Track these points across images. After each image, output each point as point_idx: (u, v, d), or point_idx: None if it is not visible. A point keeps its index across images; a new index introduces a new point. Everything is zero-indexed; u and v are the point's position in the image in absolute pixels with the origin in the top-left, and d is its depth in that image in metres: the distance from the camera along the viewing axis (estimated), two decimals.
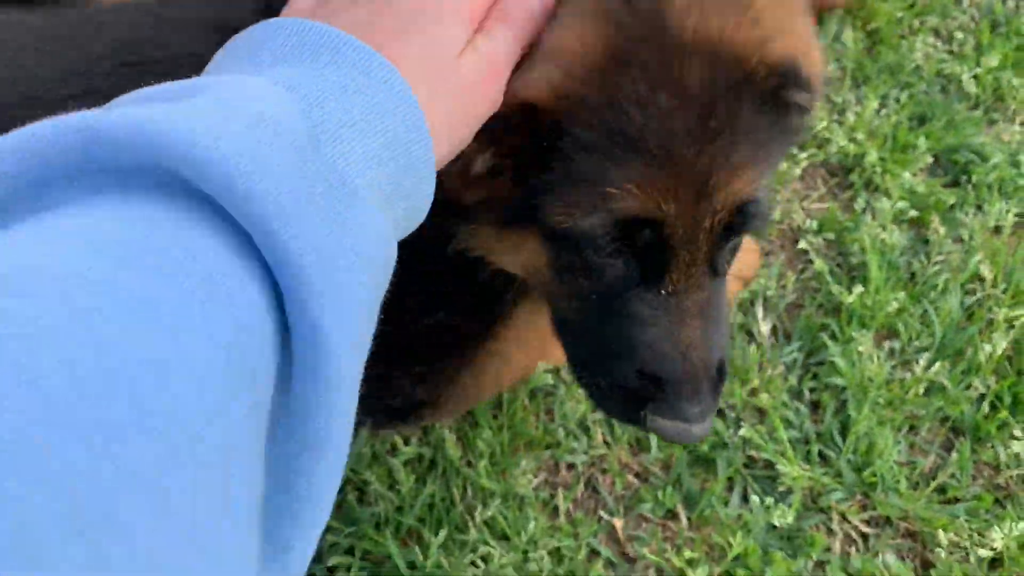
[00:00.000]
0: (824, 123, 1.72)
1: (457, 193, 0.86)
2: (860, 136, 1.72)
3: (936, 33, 1.94)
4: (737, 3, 0.83)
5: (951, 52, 1.89)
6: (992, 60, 1.85)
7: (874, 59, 1.87)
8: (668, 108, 0.79)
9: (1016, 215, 1.69)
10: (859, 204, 1.67)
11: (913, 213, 1.69)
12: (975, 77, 1.86)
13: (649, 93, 0.79)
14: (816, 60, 0.86)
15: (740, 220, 0.87)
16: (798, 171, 1.69)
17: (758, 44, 0.83)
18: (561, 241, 0.89)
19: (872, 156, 1.70)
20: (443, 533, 1.27)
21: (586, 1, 0.81)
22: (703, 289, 0.89)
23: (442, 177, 0.75)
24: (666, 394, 0.90)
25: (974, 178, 1.73)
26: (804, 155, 1.71)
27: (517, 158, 0.84)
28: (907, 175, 1.69)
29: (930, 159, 1.76)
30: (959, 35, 1.92)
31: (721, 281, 0.94)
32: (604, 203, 0.82)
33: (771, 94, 0.84)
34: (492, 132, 0.78)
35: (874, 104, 1.76)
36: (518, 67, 0.80)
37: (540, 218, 0.87)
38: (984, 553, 1.35)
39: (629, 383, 0.92)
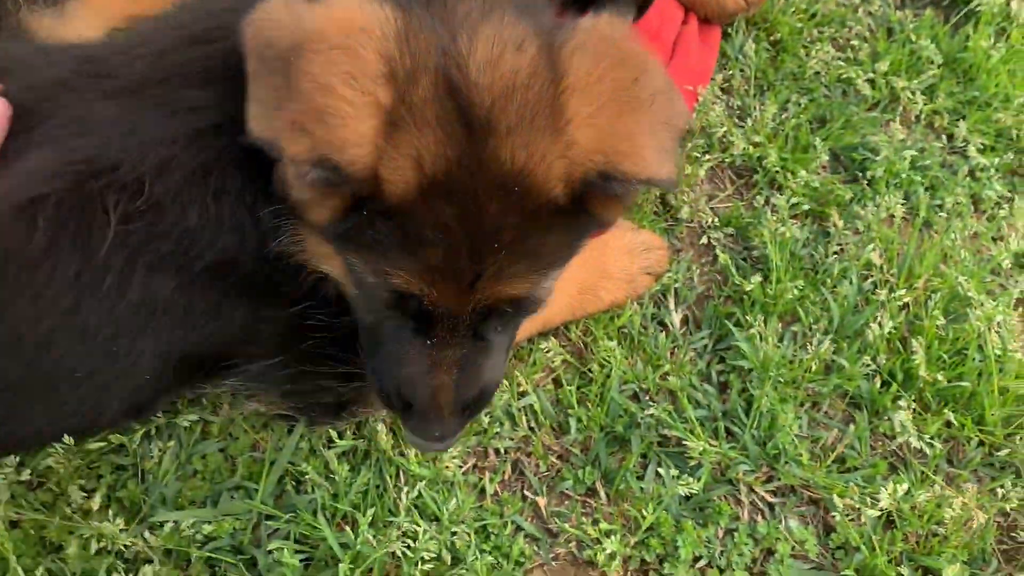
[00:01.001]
0: (725, 127, 1.85)
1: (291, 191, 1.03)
2: (760, 138, 1.86)
3: (834, 41, 2.08)
4: (552, 128, 0.96)
5: (849, 59, 2.04)
6: (885, 65, 2.00)
7: (776, 67, 2.01)
8: (457, 231, 0.97)
9: (905, 206, 1.83)
10: (759, 201, 1.80)
11: (813, 207, 1.82)
12: (870, 81, 2.00)
13: (451, 216, 0.97)
14: (645, 155, 0.97)
15: (508, 309, 1.08)
16: (703, 172, 1.82)
17: (564, 170, 0.98)
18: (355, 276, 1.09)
19: (773, 157, 1.84)
20: (372, 512, 1.38)
21: (435, 114, 0.95)
22: (462, 348, 1.10)
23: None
24: (413, 415, 1.16)
25: (869, 173, 1.87)
26: (708, 157, 1.84)
27: (350, 202, 0.99)
28: (806, 173, 1.82)
29: (828, 157, 1.90)
30: (855, 43, 2.07)
31: (493, 342, 1.14)
32: (384, 275, 1.03)
33: (572, 207, 1.01)
34: (340, 175, 0.92)
35: (774, 108, 1.90)
36: None
37: (346, 256, 1.07)
38: (873, 513, 1.47)
39: (391, 395, 1.16)
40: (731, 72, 1.99)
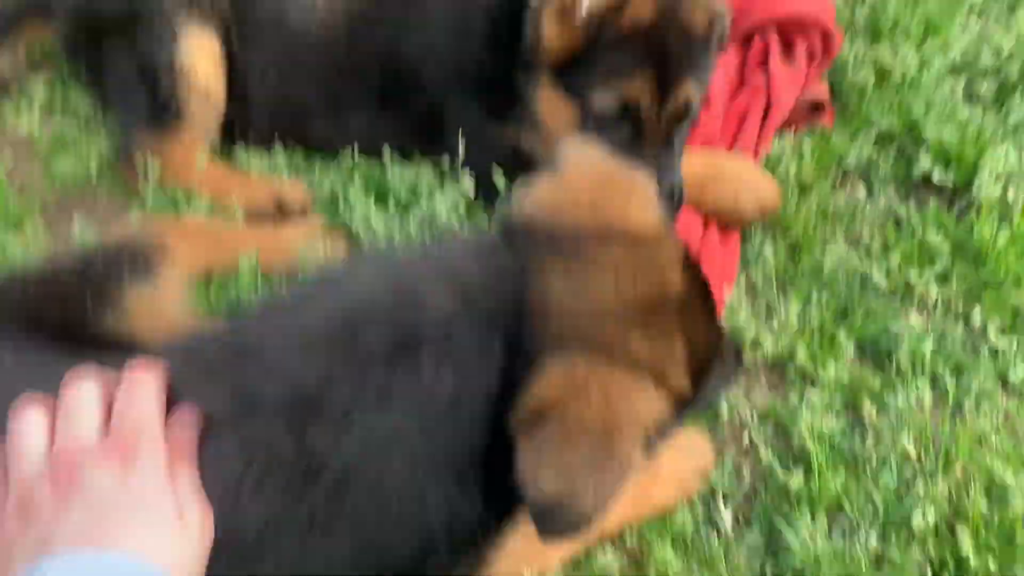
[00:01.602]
0: (754, 329, 1.99)
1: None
2: (788, 336, 1.98)
3: (847, 235, 2.24)
4: None
5: (862, 254, 2.19)
6: (896, 257, 2.14)
7: (796, 265, 2.16)
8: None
9: (934, 392, 1.92)
10: (794, 398, 1.90)
11: (847, 396, 1.92)
12: (885, 272, 2.14)
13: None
14: None
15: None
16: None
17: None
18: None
19: (802, 352, 1.96)
20: None
21: None
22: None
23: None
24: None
25: (895, 362, 1.97)
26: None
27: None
28: (835, 366, 1.93)
29: (854, 348, 2.01)
30: (867, 237, 2.23)
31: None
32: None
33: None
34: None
35: (797, 306, 2.04)
36: None
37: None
38: None
39: None
40: (754, 274, 2.14)
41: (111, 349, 1.56)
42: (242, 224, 2.08)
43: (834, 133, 2.44)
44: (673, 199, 1.94)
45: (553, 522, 1.11)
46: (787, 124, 2.44)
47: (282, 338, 1.20)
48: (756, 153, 2.33)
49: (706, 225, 2.17)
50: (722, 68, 2.45)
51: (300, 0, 2.10)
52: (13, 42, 2.32)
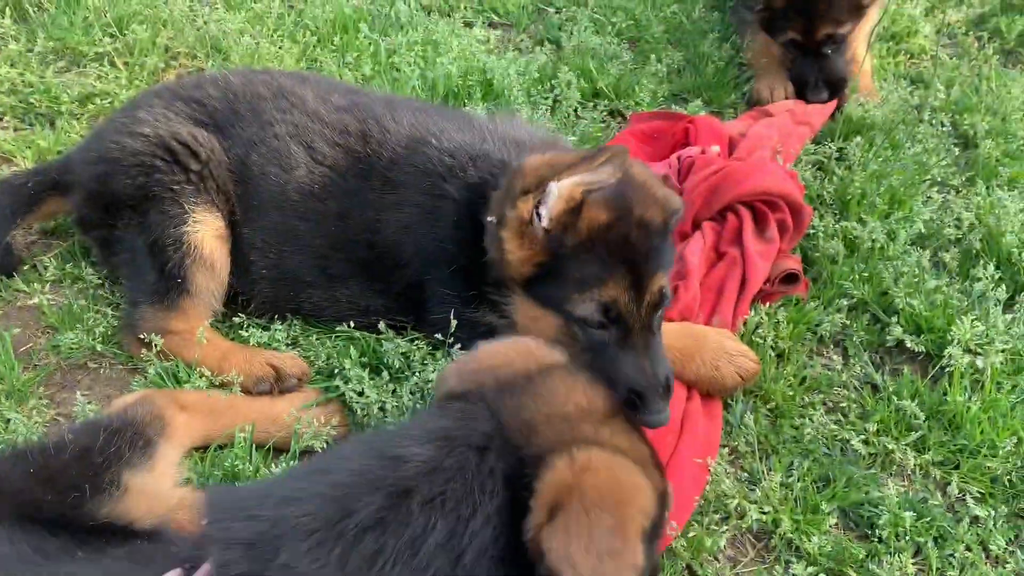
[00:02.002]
0: (737, 499, 2.03)
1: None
2: (771, 505, 2.02)
3: (825, 404, 2.32)
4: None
5: (840, 420, 2.26)
6: (874, 425, 2.21)
7: (777, 432, 2.23)
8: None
9: (917, 562, 1.95)
10: (778, 570, 1.92)
11: (832, 567, 1.94)
12: (864, 440, 2.20)
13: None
14: None
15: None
16: (723, 542, 1.97)
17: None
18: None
19: (786, 523, 1.99)
20: None
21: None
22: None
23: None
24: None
25: (878, 530, 2.00)
26: (725, 527, 1.99)
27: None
28: (819, 536, 1.96)
29: (838, 515, 2.04)
30: (845, 404, 2.31)
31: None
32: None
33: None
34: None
35: (780, 473, 2.08)
36: None
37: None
38: None
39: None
40: (736, 442, 2.20)
41: (107, 533, 1.61)
42: (240, 395, 2.14)
43: (808, 302, 2.55)
44: (670, 388, 1.92)
45: None
46: (764, 296, 2.56)
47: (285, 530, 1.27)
48: (734, 324, 2.43)
49: (689, 395, 2.25)
50: (699, 243, 2.60)
51: (298, 180, 2.25)
52: (30, 218, 2.46)
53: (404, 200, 2.21)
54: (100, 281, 2.46)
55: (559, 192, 1.87)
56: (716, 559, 1.98)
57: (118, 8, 3.49)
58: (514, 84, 3.14)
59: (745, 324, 2.42)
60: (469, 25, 3.85)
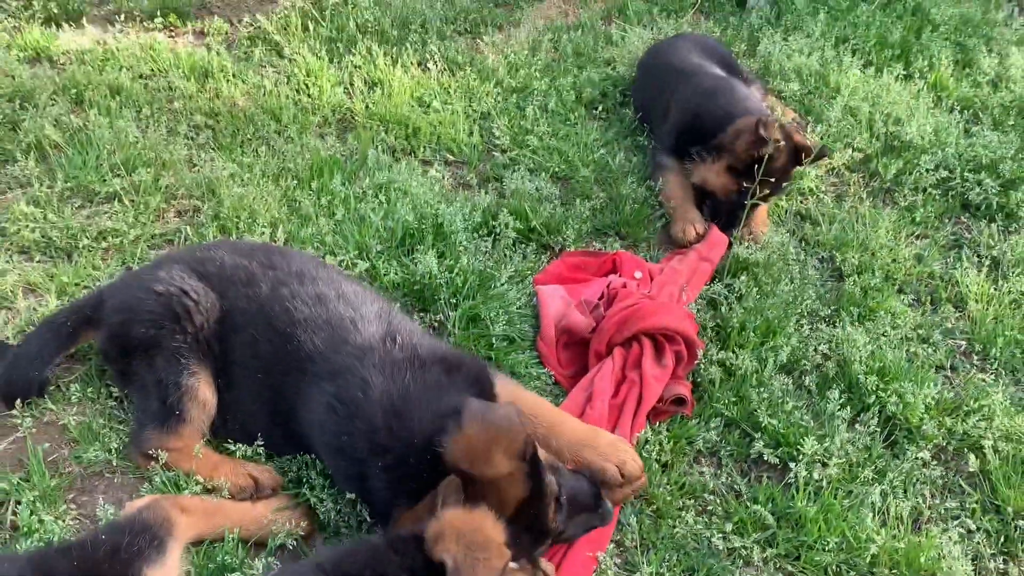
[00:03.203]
0: None
1: None
2: None
3: (696, 507, 2.91)
4: None
5: (707, 521, 2.85)
6: (731, 525, 2.80)
7: (657, 530, 2.81)
8: None
9: None
10: None
11: None
12: (723, 537, 2.79)
13: None
14: None
15: None
16: None
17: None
18: None
19: None
20: None
21: None
22: None
23: None
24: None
25: None
26: None
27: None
28: None
29: None
30: (711, 507, 2.90)
31: None
32: None
33: None
34: None
35: (654, 567, 2.66)
36: None
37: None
38: None
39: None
40: (624, 537, 2.77)
41: None
42: (227, 500, 2.69)
43: (690, 420, 3.16)
44: None
45: None
46: (657, 414, 3.17)
47: None
48: (631, 435, 3.03)
49: None
50: (609, 367, 3.21)
51: (253, 353, 2.79)
52: (69, 351, 3.03)
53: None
54: (115, 402, 3.01)
55: None
56: None
57: (125, 151, 4.10)
58: (460, 228, 3.77)
59: (636, 441, 3.02)
60: (428, 163, 4.52)
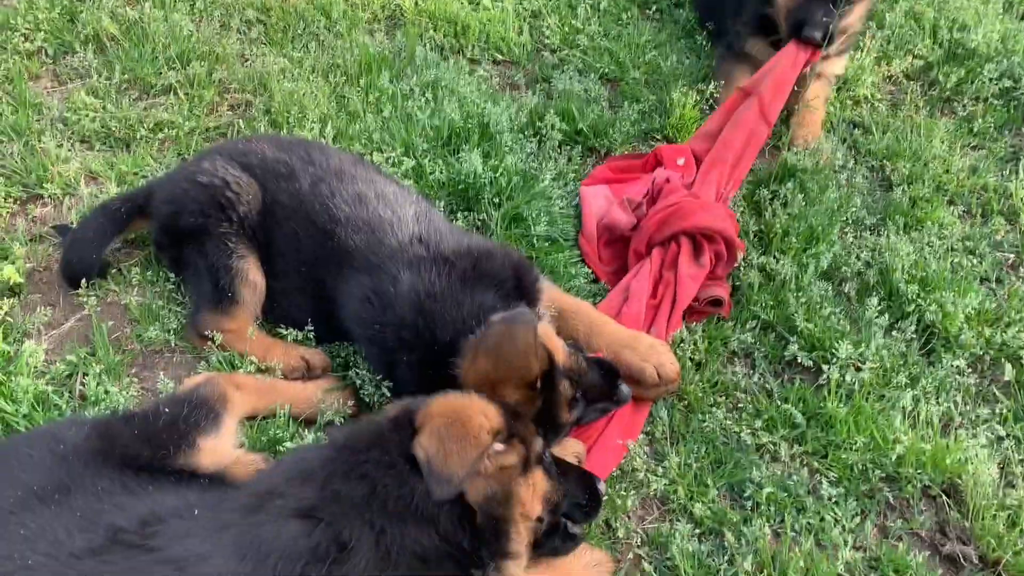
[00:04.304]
0: (643, 472, 2.71)
1: None
2: (674, 477, 2.71)
3: (728, 404, 2.99)
4: None
5: (736, 418, 2.93)
6: (760, 422, 2.89)
7: (687, 423, 2.90)
8: None
9: (777, 527, 2.63)
10: (667, 527, 2.61)
11: (714, 526, 2.62)
12: (752, 433, 2.87)
13: None
14: None
15: None
16: (630, 503, 2.65)
17: None
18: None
19: (681, 492, 2.68)
20: None
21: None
22: None
23: None
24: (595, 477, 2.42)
25: (752, 500, 2.68)
26: (633, 493, 2.68)
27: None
28: (703, 504, 2.65)
29: (725, 491, 2.73)
30: (743, 405, 2.98)
31: None
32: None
33: None
34: None
35: (682, 457, 2.76)
36: None
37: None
38: None
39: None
40: (655, 429, 2.87)
41: (180, 477, 2.30)
42: (280, 379, 2.84)
43: (726, 322, 3.22)
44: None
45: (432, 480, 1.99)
46: (694, 313, 3.23)
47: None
48: (666, 335, 3.10)
49: None
50: (647, 267, 3.26)
51: (295, 247, 2.89)
52: (122, 235, 3.17)
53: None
54: (172, 285, 3.16)
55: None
56: (628, 517, 2.66)
57: (180, 44, 4.17)
58: (505, 128, 3.79)
59: (671, 339, 3.09)
60: (475, 62, 4.51)
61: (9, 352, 2.82)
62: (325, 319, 2.91)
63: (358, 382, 2.85)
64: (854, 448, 2.84)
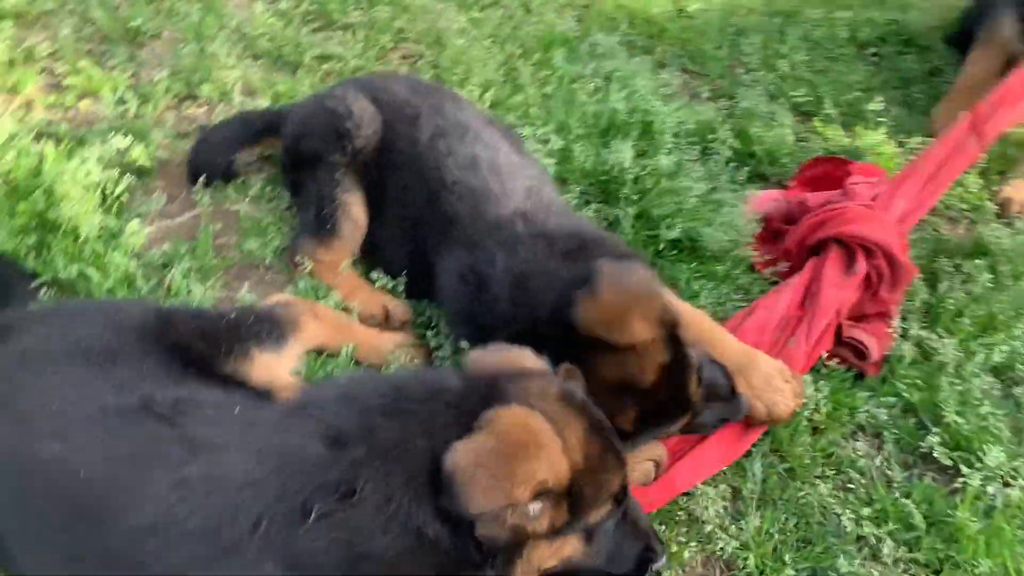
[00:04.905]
0: (713, 526, 2.34)
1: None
2: (747, 542, 2.33)
3: (836, 480, 2.55)
4: None
5: (841, 498, 2.49)
6: (871, 511, 2.44)
7: (782, 488, 2.50)
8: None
9: None
10: None
11: None
12: (856, 521, 2.42)
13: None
14: None
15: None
16: (687, 555, 2.30)
17: None
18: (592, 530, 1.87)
19: (752, 561, 2.29)
20: None
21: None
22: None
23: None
24: (656, 556, 1.98)
25: None
26: (695, 546, 2.32)
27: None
28: None
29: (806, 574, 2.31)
30: (853, 486, 2.54)
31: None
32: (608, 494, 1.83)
33: None
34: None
35: (766, 525, 2.37)
36: None
37: (583, 523, 1.81)
38: None
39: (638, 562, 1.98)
40: (742, 483, 2.49)
41: (227, 382, 2.19)
42: (356, 321, 2.70)
43: (861, 390, 2.77)
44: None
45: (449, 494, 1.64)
46: (832, 356, 2.79)
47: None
48: (806, 358, 2.70)
49: None
50: (794, 279, 2.89)
51: (403, 199, 2.75)
52: (252, 147, 3.16)
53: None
54: (286, 207, 3.11)
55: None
56: (683, 571, 2.31)
57: None
58: (668, 130, 3.50)
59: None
60: (663, 65, 4.25)
61: (115, 228, 2.83)
62: (419, 278, 2.75)
63: (434, 344, 2.66)
64: (976, 571, 2.34)
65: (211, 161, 3.08)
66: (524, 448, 1.66)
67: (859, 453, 2.63)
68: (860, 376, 2.84)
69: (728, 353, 2.52)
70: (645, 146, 3.45)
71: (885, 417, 2.71)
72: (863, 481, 2.56)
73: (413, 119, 2.80)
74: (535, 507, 1.69)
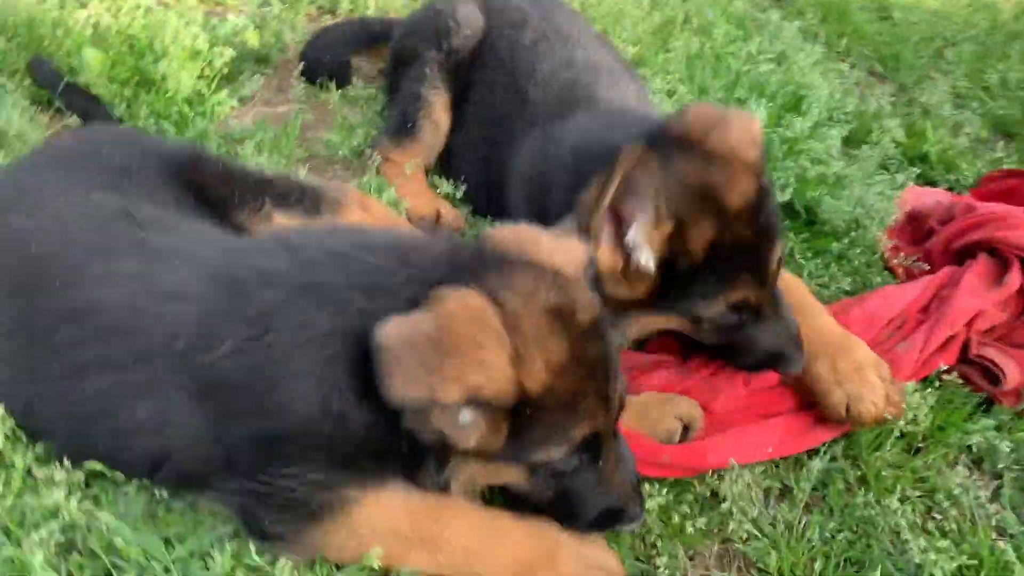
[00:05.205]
0: (734, 524, 1.90)
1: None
2: (780, 545, 1.86)
3: (918, 506, 2.00)
4: None
5: (922, 528, 1.95)
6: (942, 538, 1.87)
7: (845, 498, 1.99)
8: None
9: None
10: None
11: None
12: (921, 546, 1.86)
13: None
14: None
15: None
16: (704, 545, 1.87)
17: None
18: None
19: (773, 562, 1.82)
20: None
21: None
22: (617, 447, 1.62)
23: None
24: (627, 512, 1.65)
25: None
26: (719, 533, 1.90)
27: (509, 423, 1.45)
28: None
29: None
30: (940, 517, 1.99)
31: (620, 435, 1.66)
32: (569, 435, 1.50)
33: None
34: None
35: (810, 532, 1.89)
36: None
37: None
38: None
39: (603, 515, 1.64)
40: (798, 484, 2.00)
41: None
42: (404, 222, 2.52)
43: (987, 414, 2.20)
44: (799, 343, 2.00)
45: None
46: (960, 374, 2.24)
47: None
48: (915, 365, 2.20)
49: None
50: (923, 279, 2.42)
51: (488, 101, 2.58)
52: (368, 52, 3.13)
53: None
54: (381, 110, 3.02)
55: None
56: (690, 558, 1.87)
57: None
58: (819, 108, 3.06)
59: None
60: (844, 60, 3.81)
61: (206, 95, 2.82)
62: (487, 187, 2.54)
63: None
64: None
65: (322, 57, 3.08)
66: (462, 341, 1.39)
67: (956, 479, 2.06)
68: (989, 402, 2.26)
69: (819, 331, 2.09)
70: (789, 119, 3.03)
71: (1007, 449, 2.12)
72: (954, 515, 2.00)
73: (520, 24, 2.66)
74: (466, 415, 1.42)
